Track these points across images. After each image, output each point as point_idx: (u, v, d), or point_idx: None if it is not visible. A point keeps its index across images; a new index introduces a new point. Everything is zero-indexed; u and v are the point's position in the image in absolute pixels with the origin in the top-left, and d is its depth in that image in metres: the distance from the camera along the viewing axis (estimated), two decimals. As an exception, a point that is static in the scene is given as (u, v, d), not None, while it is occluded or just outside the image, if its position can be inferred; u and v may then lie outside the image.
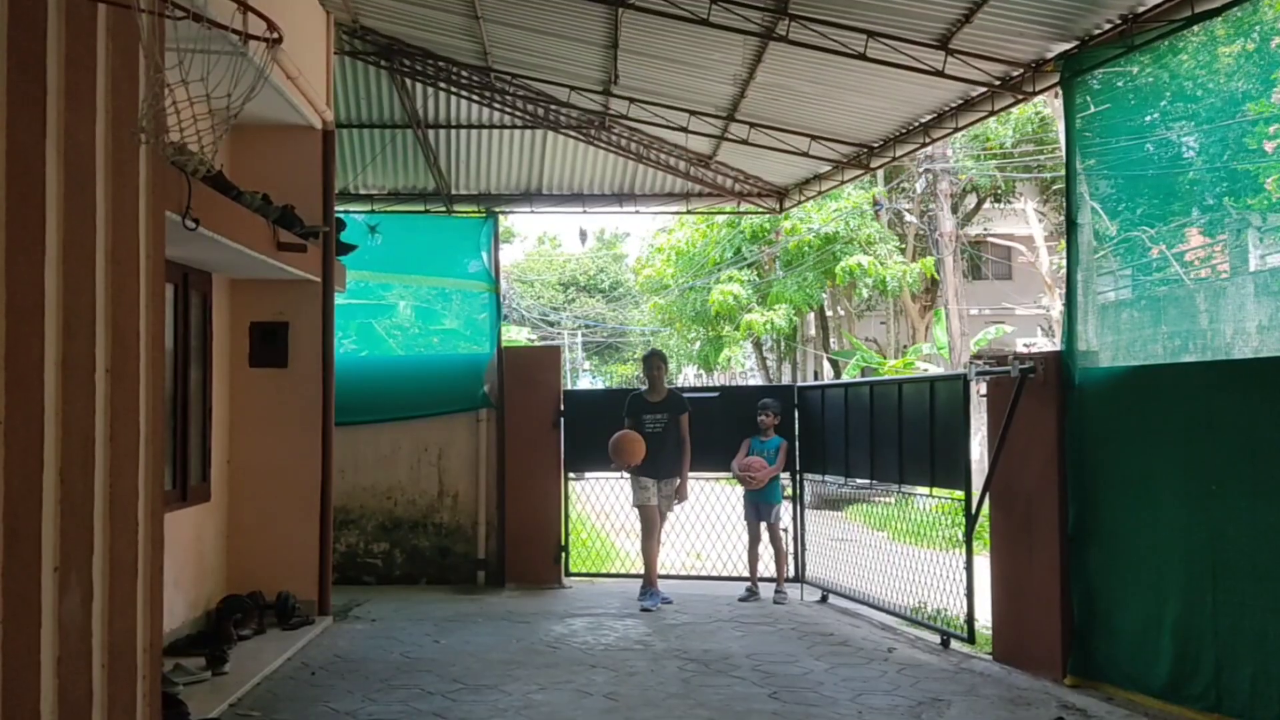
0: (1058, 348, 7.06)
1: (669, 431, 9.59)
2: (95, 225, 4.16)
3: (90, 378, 4.11)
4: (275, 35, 4.28)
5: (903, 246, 25.81)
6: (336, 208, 8.98)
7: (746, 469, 9.70)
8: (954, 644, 7.66)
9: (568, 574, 10.66)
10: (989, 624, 7.41)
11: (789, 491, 10.54)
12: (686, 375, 41.78)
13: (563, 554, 10.58)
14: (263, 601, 8.05)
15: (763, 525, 9.82)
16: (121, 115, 4.37)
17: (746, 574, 9.94)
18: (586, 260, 49.50)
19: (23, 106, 3.63)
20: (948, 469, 7.96)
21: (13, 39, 3.58)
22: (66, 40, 3.93)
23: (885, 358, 25.69)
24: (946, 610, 7.95)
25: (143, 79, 4.51)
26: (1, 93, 3.50)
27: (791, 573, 10.15)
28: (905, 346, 26.75)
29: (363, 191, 11.77)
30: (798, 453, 10.31)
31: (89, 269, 4.11)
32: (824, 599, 9.66)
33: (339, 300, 9.05)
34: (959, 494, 7.85)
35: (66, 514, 3.88)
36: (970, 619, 7.49)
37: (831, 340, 28.93)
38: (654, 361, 10.00)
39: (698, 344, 31.96)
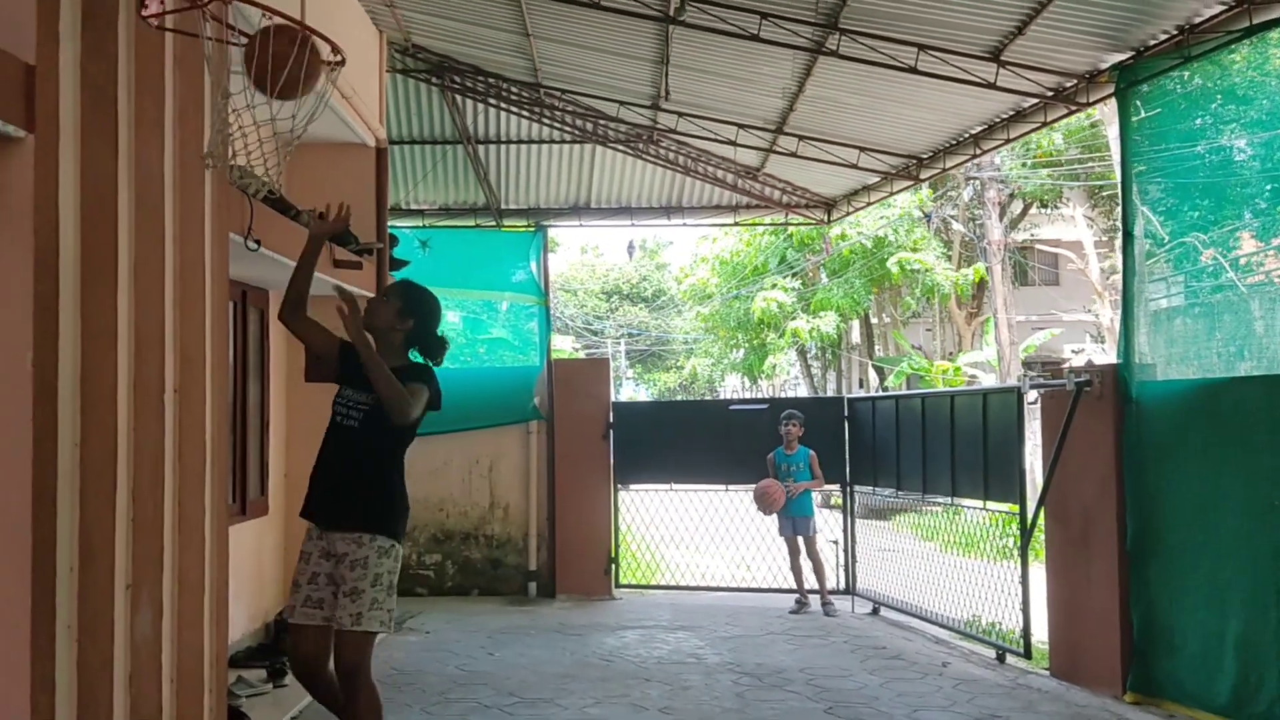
0: (1108, 355, 6.99)
1: None
2: (165, 249, 4.23)
3: (159, 399, 4.19)
4: (339, 58, 4.34)
5: (949, 253, 25.65)
6: (389, 223, 9.07)
7: (769, 503, 9.66)
8: (1009, 659, 7.59)
9: (617, 585, 10.69)
10: (1045, 639, 7.35)
11: (835, 500, 10.49)
12: (730, 384, 41.72)
13: (613, 565, 10.62)
14: (319, 613, 8.13)
15: (800, 540, 9.78)
16: (188, 140, 4.45)
17: (793, 586, 9.91)
18: (629, 269, 49.55)
19: (96, 134, 3.72)
20: (1002, 482, 7.89)
21: (85, 69, 3.66)
22: (136, 68, 4.02)
23: (931, 363, 25.50)
24: (1001, 624, 7.88)
25: (208, 105, 4.60)
26: (75, 122, 3.59)
27: (841, 585, 10.11)
28: (951, 353, 26.53)
29: (414, 207, 11.88)
30: (847, 465, 10.27)
31: (158, 292, 4.19)
32: (875, 611, 9.61)
33: (391, 315, 9.11)
34: (1013, 507, 7.79)
35: (138, 533, 3.96)
36: (1026, 633, 7.43)
37: (877, 346, 28.78)
38: None
39: (741, 352, 31.92)
